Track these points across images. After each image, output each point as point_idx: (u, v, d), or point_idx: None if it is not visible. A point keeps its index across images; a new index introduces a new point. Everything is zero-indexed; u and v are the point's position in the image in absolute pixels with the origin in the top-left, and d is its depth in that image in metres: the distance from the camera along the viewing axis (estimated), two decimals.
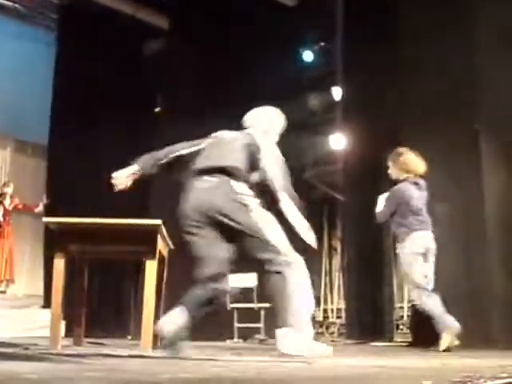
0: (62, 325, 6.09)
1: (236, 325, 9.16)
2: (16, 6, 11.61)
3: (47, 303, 8.46)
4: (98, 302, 9.40)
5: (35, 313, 9.50)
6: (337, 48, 10.25)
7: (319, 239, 10.93)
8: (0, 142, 11.85)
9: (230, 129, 4.54)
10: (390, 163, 6.45)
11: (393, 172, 6.44)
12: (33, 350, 4.50)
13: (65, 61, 10.52)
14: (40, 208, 10.68)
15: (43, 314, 8.36)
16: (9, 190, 10.91)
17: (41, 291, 10.14)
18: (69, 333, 6.78)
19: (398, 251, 6.25)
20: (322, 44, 11.05)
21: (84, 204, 9.01)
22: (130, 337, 9.10)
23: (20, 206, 10.91)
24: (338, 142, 10.15)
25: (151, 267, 4.93)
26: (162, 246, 5.32)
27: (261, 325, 9.01)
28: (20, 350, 4.42)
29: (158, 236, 5.02)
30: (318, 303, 9.57)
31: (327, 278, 11.42)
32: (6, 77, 11.33)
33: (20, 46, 11.70)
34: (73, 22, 10.58)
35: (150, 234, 4.98)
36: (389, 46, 8.60)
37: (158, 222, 4.99)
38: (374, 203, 9.37)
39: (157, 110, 10.92)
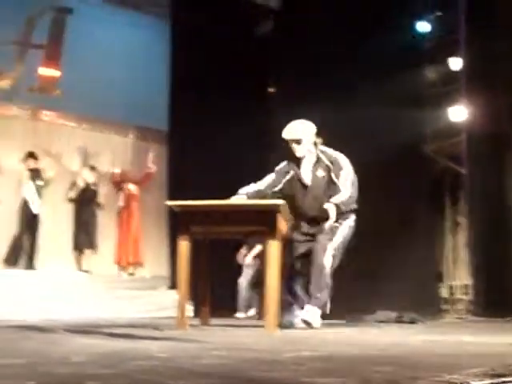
0: (190, 305, 6.25)
1: None
2: None
3: (173, 284, 8.67)
4: (222, 281, 9.56)
5: (163, 294, 9.76)
6: (458, 17, 9.88)
7: (441, 213, 10.70)
8: (121, 130, 12.17)
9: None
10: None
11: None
12: (162, 330, 4.64)
13: (180, 47, 10.70)
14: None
15: (170, 295, 8.57)
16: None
17: (167, 272, 10.37)
18: (197, 313, 6.95)
19: None
20: (439, 14, 10.70)
21: (204, 187, 9.17)
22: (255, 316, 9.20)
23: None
24: (459, 113, 9.85)
25: (273, 247, 4.96)
26: (283, 225, 5.35)
27: None
28: (150, 331, 4.57)
29: (278, 215, 5.04)
30: (442, 279, 9.32)
31: (454, 253, 11.13)
32: (124, 66, 11.58)
33: (135, 34, 11.96)
34: (186, 7, 10.73)
35: (271, 214, 5.01)
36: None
37: (279, 202, 5.02)
38: (499, 175, 9.03)
39: (270, 90, 10.94)
